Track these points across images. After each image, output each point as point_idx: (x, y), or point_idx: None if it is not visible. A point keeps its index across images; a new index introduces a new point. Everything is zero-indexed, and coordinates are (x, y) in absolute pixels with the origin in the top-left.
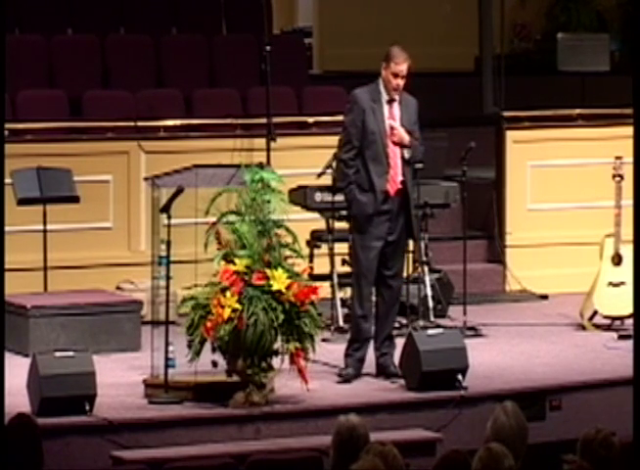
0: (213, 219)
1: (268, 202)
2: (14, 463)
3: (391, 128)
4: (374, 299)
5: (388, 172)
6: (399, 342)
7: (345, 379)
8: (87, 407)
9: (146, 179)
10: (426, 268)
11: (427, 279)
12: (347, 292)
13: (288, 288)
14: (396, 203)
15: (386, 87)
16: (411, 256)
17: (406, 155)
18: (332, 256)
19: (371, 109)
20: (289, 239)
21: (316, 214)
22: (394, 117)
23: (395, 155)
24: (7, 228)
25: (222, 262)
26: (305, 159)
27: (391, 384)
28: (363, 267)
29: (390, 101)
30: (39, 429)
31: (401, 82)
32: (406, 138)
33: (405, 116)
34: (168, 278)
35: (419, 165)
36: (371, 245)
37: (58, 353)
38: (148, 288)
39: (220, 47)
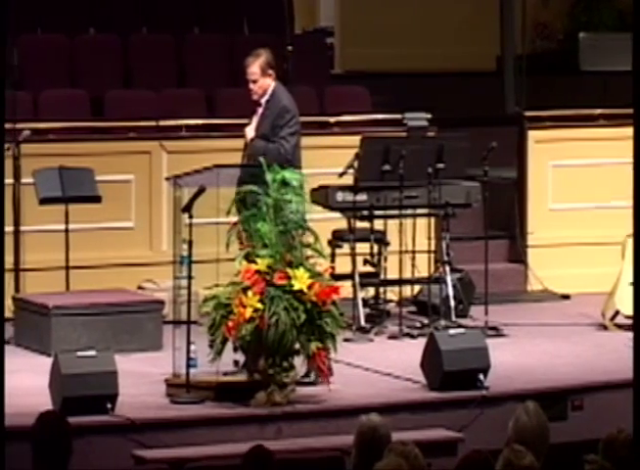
0: (235, 219)
1: (290, 201)
2: (44, 459)
3: None
4: None
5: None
6: (421, 342)
7: None
8: (109, 407)
9: (167, 179)
10: (447, 268)
11: (448, 279)
12: (369, 291)
13: (309, 288)
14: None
15: None
16: (432, 255)
17: None
18: (353, 255)
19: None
20: (310, 239)
21: (338, 214)
22: (256, 118)
23: (245, 158)
24: (29, 228)
25: (244, 262)
26: (327, 158)
27: (413, 384)
28: None
29: (258, 103)
30: (69, 426)
31: (253, 86)
32: (247, 137)
33: (264, 119)
34: (190, 278)
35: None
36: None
37: (80, 353)
38: (169, 288)
39: (242, 47)
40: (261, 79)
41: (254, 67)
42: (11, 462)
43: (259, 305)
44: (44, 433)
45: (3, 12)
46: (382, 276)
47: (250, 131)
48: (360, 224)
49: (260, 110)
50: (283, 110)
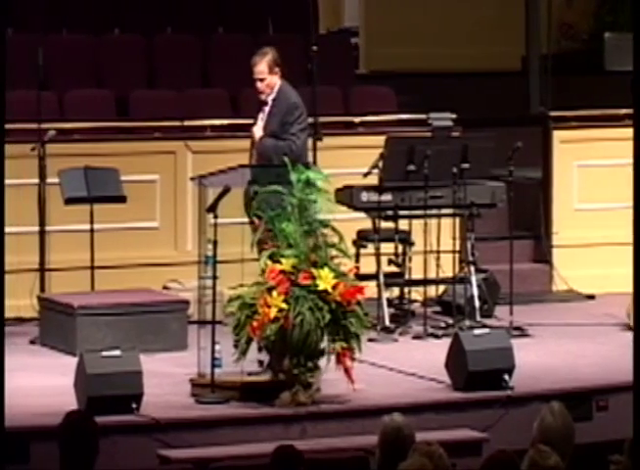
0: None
1: (314, 201)
2: (71, 459)
3: None
4: None
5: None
6: (446, 342)
7: None
8: (134, 407)
9: (192, 179)
10: (472, 268)
11: (473, 279)
12: (394, 291)
13: (334, 288)
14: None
15: None
16: (457, 255)
17: None
18: (378, 255)
19: (258, 108)
20: (335, 239)
21: (362, 214)
22: (263, 118)
23: (254, 157)
24: (54, 228)
25: (269, 262)
26: (352, 158)
27: (438, 384)
28: None
29: (264, 101)
30: (96, 425)
31: (261, 84)
32: (256, 136)
33: (272, 117)
34: (215, 278)
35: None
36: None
37: (105, 353)
38: (194, 287)
39: (267, 47)
40: (269, 78)
41: (262, 65)
42: (37, 462)
43: (284, 305)
44: (71, 432)
45: (3, 12)
46: (406, 276)
47: (257, 130)
48: (385, 224)
49: (267, 108)
50: (292, 106)
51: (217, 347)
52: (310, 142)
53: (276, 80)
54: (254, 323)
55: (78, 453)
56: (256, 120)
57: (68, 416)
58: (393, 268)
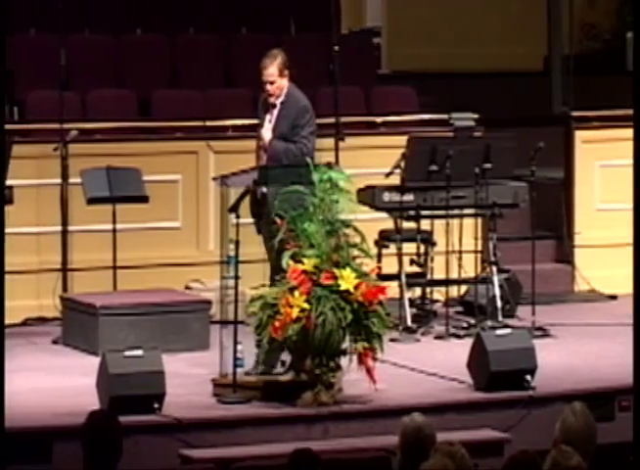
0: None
1: (336, 201)
2: (95, 459)
3: None
4: None
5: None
6: (468, 342)
7: None
8: (156, 406)
9: (214, 179)
10: (494, 268)
11: (495, 279)
12: (416, 292)
13: (356, 288)
14: (260, 203)
15: None
16: (479, 256)
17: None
18: (400, 255)
19: (260, 112)
20: (357, 239)
21: (384, 214)
22: (271, 120)
23: (262, 159)
24: (76, 227)
25: (291, 262)
26: (374, 158)
27: (459, 384)
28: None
29: (272, 104)
30: (120, 425)
31: (271, 87)
32: (265, 139)
33: (282, 119)
34: (237, 278)
35: None
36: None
37: (127, 353)
38: (217, 287)
39: (289, 47)
40: (278, 80)
41: (272, 68)
42: (60, 462)
43: (306, 305)
44: (95, 432)
45: (3, 12)
46: (428, 276)
47: (266, 133)
48: (407, 224)
49: (276, 111)
50: (303, 109)
51: (239, 347)
52: (332, 142)
53: (285, 83)
54: (277, 323)
55: (102, 453)
56: (262, 122)
57: (92, 416)
58: (415, 268)
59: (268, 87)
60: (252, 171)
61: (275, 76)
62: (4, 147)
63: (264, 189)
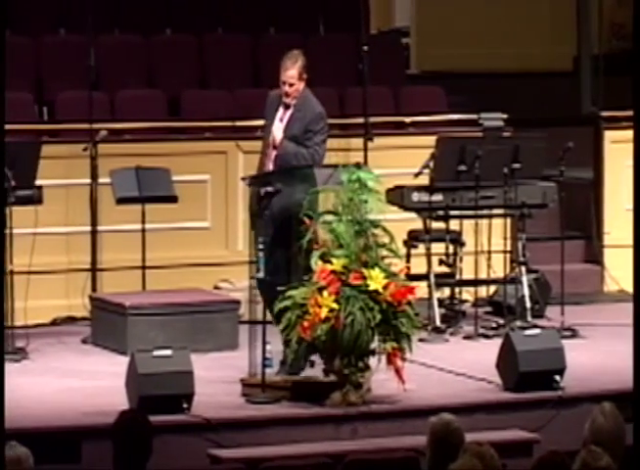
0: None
1: (365, 202)
2: (125, 458)
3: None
4: None
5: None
6: (496, 342)
7: None
8: (185, 406)
9: (243, 179)
10: (523, 268)
11: (524, 279)
12: (445, 292)
13: (385, 288)
14: (268, 205)
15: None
16: (508, 256)
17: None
18: (429, 255)
19: (269, 111)
20: (386, 239)
21: (413, 214)
22: (282, 120)
23: (271, 157)
24: (106, 227)
25: (319, 262)
26: (402, 159)
27: (488, 384)
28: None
29: (285, 104)
30: (150, 424)
31: (289, 89)
32: (276, 140)
33: (295, 121)
34: (266, 278)
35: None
36: (259, 243)
37: (156, 352)
38: (245, 287)
39: (318, 47)
40: (297, 83)
41: (293, 70)
42: (89, 462)
43: (335, 305)
44: (125, 432)
45: (3, 12)
46: (457, 276)
47: (278, 131)
48: (436, 224)
49: (289, 112)
50: (319, 116)
51: (268, 347)
52: (361, 142)
53: (302, 86)
54: (305, 323)
55: (132, 453)
56: (269, 121)
57: (123, 415)
58: (444, 269)
59: (287, 89)
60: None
61: (295, 79)
62: (4, 147)
63: (269, 188)
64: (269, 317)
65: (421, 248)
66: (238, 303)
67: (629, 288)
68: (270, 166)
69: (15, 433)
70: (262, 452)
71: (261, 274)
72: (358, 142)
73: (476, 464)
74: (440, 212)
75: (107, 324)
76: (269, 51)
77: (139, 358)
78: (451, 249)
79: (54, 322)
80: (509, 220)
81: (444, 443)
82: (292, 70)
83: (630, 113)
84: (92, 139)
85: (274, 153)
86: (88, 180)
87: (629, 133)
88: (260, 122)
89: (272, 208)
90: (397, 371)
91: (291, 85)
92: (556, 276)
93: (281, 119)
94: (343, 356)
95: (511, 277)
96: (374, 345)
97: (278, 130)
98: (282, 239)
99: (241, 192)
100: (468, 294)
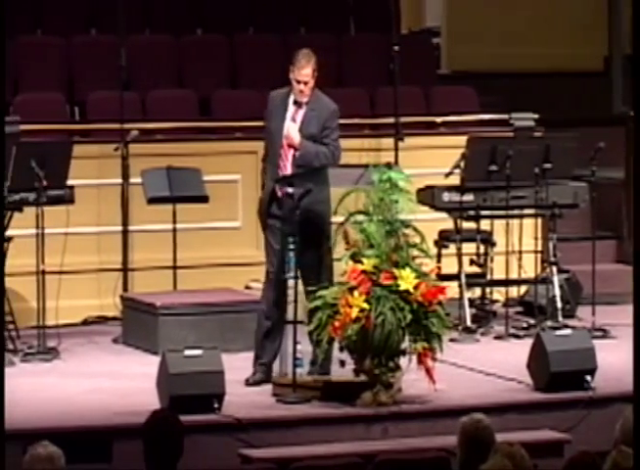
0: (341, 219)
1: (396, 201)
2: (156, 458)
3: (287, 130)
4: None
5: (277, 174)
6: (527, 342)
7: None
8: (216, 406)
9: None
10: (554, 269)
11: (555, 279)
12: (476, 292)
13: (416, 288)
14: (288, 206)
15: (293, 91)
16: (539, 256)
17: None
18: (460, 255)
19: (276, 110)
20: (416, 239)
21: (444, 214)
22: (295, 120)
23: (287, 157)
24: (137, 227)
25: (350, 262)
26: (433, 158)
27: (519, 384)
28: (268, 269)
29: (297, 103)
30: (181, 424)
31: (305, 87)
32: (296, 140)
33: (311, 120)
34: (296, 278)
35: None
36: (272, 246)
37: (187, 352)
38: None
39: (348, 47)
40: (311, 81)
41: (308, 68)
42: (120, 461)
43: (365, 306)
44: (156, 431)
45: (3, 12)
46: (488, 276)
47: (295, 132)
48: (466, 224)
49: (302, 111)
50: (335, 113)
51: (299, 346)
52: (392, 142)
53: (313, 84)
54: (336, 323)
55: (163, 452)
56: (280, 120)
57: (154, 415)
58: (475, 269)
59: (302, 87)
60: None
61: (309, 77)
62: (4, 147)
63: (290, 189)
64: (300, 317)
65: (452, 248)
66: None
67: None
68: (288, 167)
69: (46, 433)
70: (293, 452)
71: (291, 274)
72: (389, 142)
73: (506, 464)
74: (471, 212)
75: (138, 324)
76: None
77: (170, 358)
78: (482, 249)
79: (85, 322)
80: (540, 220)
81: (475, 443)
82: (307, 69)
83: None
84: (123, 139)
85: (291, 152)
86: (119, 180)
87: None
88: None
89: (301, 208)
90: (428, 371)
91: (306, 83)
92: (587, 276)
93: (293, 119)
94: (374, 356)
95: (542, 277)
96: (404, 345)
97: (294, 130)
98: (311, 239)
99: None
100: (499, 294)
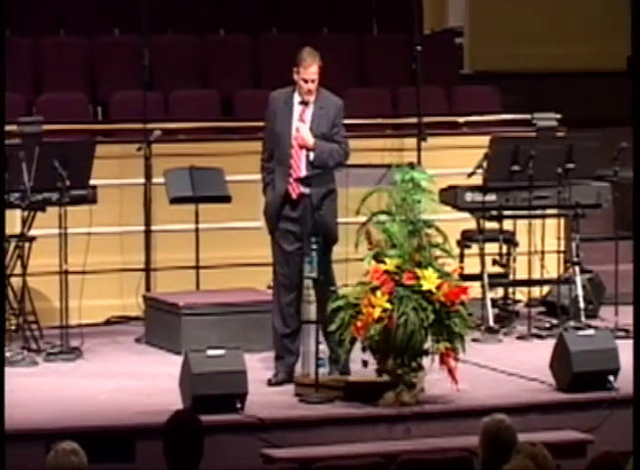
0: (364, 219)
1: (419, 201)
2: (177, 458)
3: (297, 130)
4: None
5: (289, 175)
6: (550, 343)
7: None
8: (238, 405)
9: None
10: (577, 269)
11: (578, 280)
12: (498, 292)
13: (438, 288)
14: (302, 207)
15: (299, 90)
16: (562, 256)
17: (310, 157)
18: (482, 256)
19: (281, 111)
20: (439, 239)
21: (467, 214)
22: (304, 120)
23: (300, 157)
24: (159, 227)
25: (373, 262)
26: (456, 158)
27: (541, 385)
28: (277, 271)
29: (304, 103)
30: (202, 425)
31: (312, 86)
32: (309, 141)
33: (320, 118)
34: (318, 278)
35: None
36: (283, 246)
37: (210, 352)
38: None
39: (371, 47)
40: (317, 79)
41: (315, 66)
42: (143, 461)
43: (388, 305)
44: (178, 431)
45: (3, 12)
46: (511, 277)
47: (307, 132)
48: (489, 225)
49: (309, 110)
50: (341, 108)
51: (321, 347)
52: (414, 142)
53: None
54: (358, 323)
55: (184, 452)
56: (285, 121)
57: (176, 415)
58: (498, 269)
59: (310, 85)
60: (335, 171)
61: (316, 75)
62: (4, 147)
63: (306, 190)
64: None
65: (474, 248)
66: None
67: None
68: (302, 168)
69: (69, 432)
70: (315, 452)
71: (314, 274)
72: (412, 142)
73: (529, 465)
74: (494, 212)
75: (160, 324)
76: (323, 51)
77: (193, 358)
78: (505, 249)
79: (108, 322)
80: (562, 220)
81: (497, 443)
82: (313, 67)
83: None
84: (146, 139)
85: (303, 153)
86: (142, 180)
87: None
88: None
89: (324, 208)
90: (450, 371)
91: (313, 82)
92: (610, 276)
93: (302, 119)
94: (397, 356)
95: (565, 277)
96: (427, 345)
97: (306, 131)
98: (333, 239)
99: None
100: (521, 294)
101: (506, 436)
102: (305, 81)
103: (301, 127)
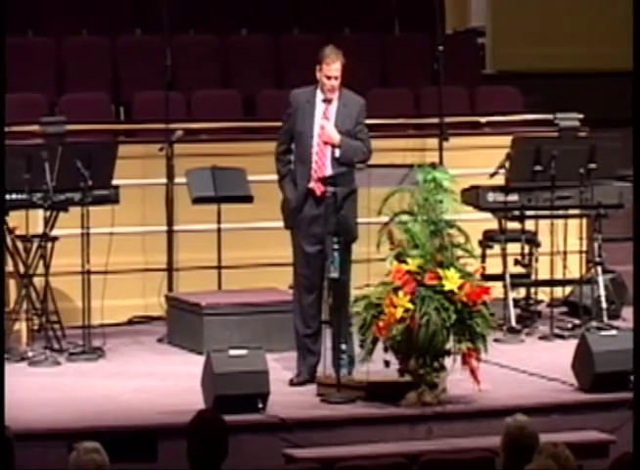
0: (386, 219)
1: (441, 202)
2: (200, 458)
3: (321, 128)
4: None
5: (313, 173)
6: (572, 343)
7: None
8: (260, 405)
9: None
10: (599, 269)
11: (600, 280)
12: (521, 292)
13: (460, 288)
14: (325, 205)
15: (322, 88)
16: (584, 256)
17: (336, 154)
18: (504, 256)
19: (302, 109)
20: (461, 239)
21: (489, 214)
22: (328, 117)
23: (324, 155)
24: (182, 227)
25: (395, 262)
26: (478, 159)
27: (563, 385)
28: (298, 272)
29: (327, 101)
30: (226, 425)
31: (335, 83)
32: (335, 138)
33: (343, 116)
34: (341, 278)
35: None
36: (303, 247)
37: (232, 352)
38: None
39: (393, 47)
40: (339, 76)
41: (338, 63)
42: (165, 460)
43: (410, 306)
44: (201, 431)
45: (2, 12)
46: (533, 277)
47: (332, 129)
48: (511, 225)
49: (333, 107)
50: (364, 106)
51: (343, 346)
52: (436, 142)
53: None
54: (380, 323)
55: (208, 452)
56: (309, 120)
57: (200, 415)
58: (520, 269)
59: (333, 82)
60: (357, 172)
61: (339, 72)
62: (4, 147)
63: (332, 188)
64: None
65: (496, 248)
66: None
67: None
68: (328, 165)
69: (92, 432)
70: (337, 452)
71: (336, 274)
72: (434, 142)
73: (551, 465)
74: (516, 213)
75: (183, 324)
76: (344, 51)
77: (215, 358)
78: (527, 249)
79: (130, 322)
80: (585, 221)
81: (519, 444)
82: (337, 63)
83: None
84: (168, 139)
85: (328, 150)
86: (164, 180)
87: None
88: None
89: (345, 208)
90: (472, 371)
91: (336, 78)
92: (632, 277)
93: (325, 116)
94: (419, 357)
95: (587, 278)
96: (449, 345)
97: (332, 129)
98: (352, 239)
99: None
100: (543, 294)
101: (528, 437)
102: (328, 78)
103: (327, 125)
